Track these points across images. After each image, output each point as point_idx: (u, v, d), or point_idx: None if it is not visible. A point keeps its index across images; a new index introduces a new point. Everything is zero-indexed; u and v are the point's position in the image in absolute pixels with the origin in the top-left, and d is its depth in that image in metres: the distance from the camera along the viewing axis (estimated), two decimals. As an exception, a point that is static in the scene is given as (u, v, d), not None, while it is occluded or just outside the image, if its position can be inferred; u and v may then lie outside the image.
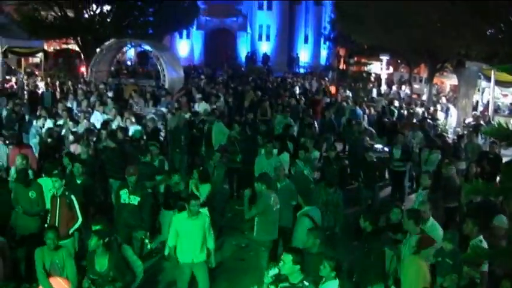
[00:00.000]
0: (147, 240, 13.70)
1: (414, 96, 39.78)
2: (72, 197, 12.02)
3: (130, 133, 18.90)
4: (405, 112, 28.99)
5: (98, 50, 36.82)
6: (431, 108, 30.80)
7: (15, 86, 33.52)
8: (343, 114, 27.06)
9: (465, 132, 24.15)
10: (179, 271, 11.46)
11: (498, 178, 16.18)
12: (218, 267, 12.64)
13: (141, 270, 10.04)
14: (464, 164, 18.31)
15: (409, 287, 9.85)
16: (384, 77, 46.64)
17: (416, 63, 44.26)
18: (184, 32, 67.72)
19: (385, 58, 44.54)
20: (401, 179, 19.48)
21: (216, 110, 23.57)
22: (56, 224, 11.63)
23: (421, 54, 35.52)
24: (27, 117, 21.59)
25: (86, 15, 38.99)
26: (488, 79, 30.45)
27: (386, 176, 20.53)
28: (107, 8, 39.27)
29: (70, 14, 38.31)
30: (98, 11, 39.00)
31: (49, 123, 19.41)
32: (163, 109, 24.26)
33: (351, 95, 36.13)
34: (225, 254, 14.19)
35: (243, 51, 69.27)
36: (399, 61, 51.90)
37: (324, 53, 72.79)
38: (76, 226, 12.08)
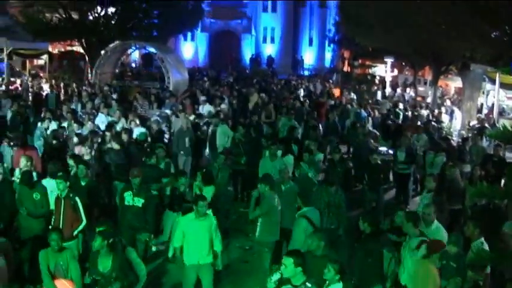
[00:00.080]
0: (151, 243, 13.75)
1: (419, 98, 39.70)
2: (77, 198, 12.04)
3: (134, 135, 18.90)
4: (410, 114, 28.98)
5: (102, 52, 36.86)
6: (436, 111, 30.75)
7: (19, 88, 33.59)
8: (347, 117, 27.03)
9: (470, 134, 24.12)
10: (185, 273, 11.43)
11: (503, 181, 16.12)
12: (222, 270, 12.61)
13: (144, 274, 10.02)
14: (469, 167, 18.28)
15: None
16: (388, 79, 46.58)
17: (420, 65, 44.18)
18: (189, 34, 67.75)
19: (389, 60, 44.48)
20: (406, 182, 19.44)
21: (221, 112, 23.54)
22: (60, 226, 11.66)
23: (426, 56, 35.47)
24: (31, 119, 21.61)
25: (91, 17, 39.12)
26: (493, 81, 30.42)
27: (391, 178, 20.49)
28: (111, 10, 39.35)
29: (75, 16, 38.42)
30: (102, 13, 39.10)
31: (53, 125, 19.43)
32: (168, 111, 24.26)
33: (355, 97, 36.09)
34: (229, 256, 14.17)
35: (247, 53, 69.30)
36: (404, 63, 51.82)
37: (328, 55, 72.72)
38: (80, 228, 12.09)
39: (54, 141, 17.69)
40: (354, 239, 13.45)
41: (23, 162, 13.83)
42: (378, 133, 23.92)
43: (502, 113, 31.74)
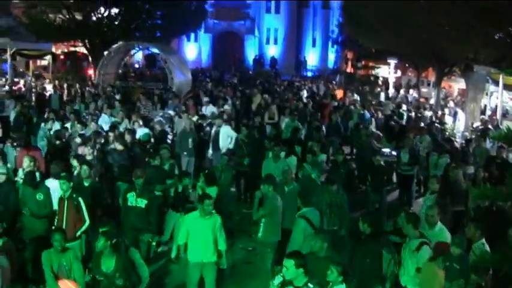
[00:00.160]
0: (154, 243, 13.76)
1: (422, 100, 39.67)
2: (80, 199, 12.04)
3: (138, 136, 18.91)
4: (413, 115, 28.97)
5: (105, 52, 36.94)
6: (439, 112, 30.72)
7: (23, 89, 33.60)
8: (350, 118, 27.01)
9: (473, 136, 24.08)
10: (188, 272, 11.43)
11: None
12: (225, 271, 12.62)
13: (147, 275, 10.01)
14: (473, 168, 18.27)
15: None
16: (391, 80, 46.58)
17: (424, 67, 44.11)
18: (192, 35, 67.86)
19: (393, 62, 44.46)
20: (409, 183, 19.42)
21: (224, 113, 23.53)
22: (63, 226, 11.65)
23: (429, 58, 35.44)
24: (34, 119, 21.62)
25: (94, 18, 39.16)
26: (496, 83, 30.36)
27: (394, 180, 20.48)
28: (115, 11, 39.39)
29: (78, 16, 38.49)
30: (106, 14, 39.15)
31: (57, 126, 19.44)
32: (171, 112, 24.26)
33: (358, 98, 36.07)
34: (232, 258, 14.14)
35: (250, 54, 69.26)
36: (407, 65, 51.74)
37: (331, 56, 72.76)
38: (83, 228, 12.10)
39: (57, 142, 17.71)
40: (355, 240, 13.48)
41: (26, 162, 13.84)
42: (380, 134, 23.90)
43: (505, 114, 31.68)
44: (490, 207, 13.18)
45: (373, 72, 56.42)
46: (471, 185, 15.56)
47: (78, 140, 17.63)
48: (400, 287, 10.53)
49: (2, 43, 32.38)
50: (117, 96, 29.32)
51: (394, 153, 20.80)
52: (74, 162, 14.57)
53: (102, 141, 17.61)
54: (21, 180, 13.69)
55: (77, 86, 33.69)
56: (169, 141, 20.36)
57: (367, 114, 27.53)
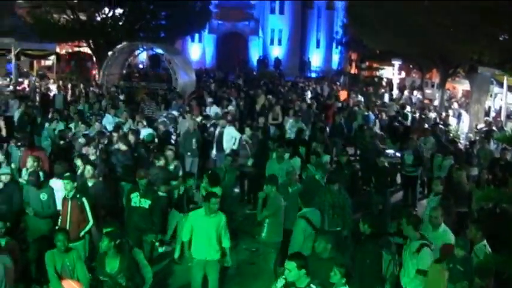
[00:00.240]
0: (157, 244, 13.76)
1: (426, 101, 39.65)
2: (84, 199, 12.03)
3: (141, 136, 18.93)
4: (417, 116, 28.95)
5: (110, 53, 36.97)
6: (443, 114, 30.70)
7: (27, 89, 33.65)
8: (354, 119, 26.99)
9: (477, 138, 24.04)
10: (192, 271, 11.42)
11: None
12: (229, 271, 12.61)
13: (151, 276, 10.01)
14: (476, 170, 18.23)
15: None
16: (395, 82, 46.59)
17: (428, 68, 44.17)
18: (196, 36, 67.91)
19: (397, 63, 44.48)
20: (414, 184, 19.43)
21: (228, 113, 23.52)
22: (67, 226, 11.66)
23: (433, 59, 35.43)
24: (39, 119, 21.65)
25: (98, 18, 39.23)
26: (500, 85, 30.31)
27: (398, 181, 20.46)
28: (119, 11, 39.42)
29: (82, 17, 38.56)
30: (110, 14, 39.20)
31: (61, 126, 19.46)
32: (175, 112, 24.25)
33: (362, 99, 36.06)
34: (236, 258, 14.13)
35: (254, 55, 69.31)
36: (411, 66, 51.82)
37: (335, 57, 72.79)
38: (87, 228, 12.09)
39: (61, 142, 17.73)
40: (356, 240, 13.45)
41: (29, 163, 13.84)
42: (385, 135, 23.87)
43: (509, 116, 31.61)
44: (493, 209, 13.15)
45: (377, 73, 56.63)
46: (475, 187, 15.54)
47: (81, 140, 17.65)
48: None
49: (7, 43, 32.42)
50: (121, 97, 29.39)
51: (398, 154, 20.78)
52: (78, 162, 14.56)
53: (106, 141, 17.62)
54: (25, 180, 13.71)
55: (81, 86, 33.75)
56: (172, 141, 20.36)
57: (372, 116, 27.51)
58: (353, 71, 66.83)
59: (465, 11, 23.29)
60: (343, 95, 41.10)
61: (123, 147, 16.43)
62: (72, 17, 38.32)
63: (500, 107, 31.14)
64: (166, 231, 14.38)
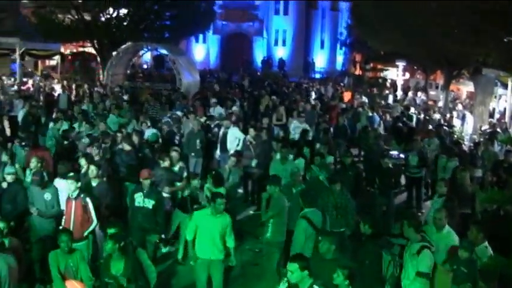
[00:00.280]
0: (161, 244, 13.77)
1: (430, 102, 39.60)
2: (88, 199, 12.04)
3: (145, 136, 18.95)
4: (422, 118, 28.95)
5: (114, 53, 36.98)
6: (448, 115, 30.66)
7: (31, 88, 33.70)
8: (358, 120, 26.98)
9: (481, 139, 24.01)
10: (196, 272, 11.42)
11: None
12: (232, 272, 12.61)
13: (155, 276, 10.02)
14: (480, 172, 18.21)
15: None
16: (400, 83, 46.57)
17: (432, 69, 44.11)
18: (201, 36, 67.95)
19: (401, 64, 44.50)
20: (419, 185, 19.42)
21: (232, 114, 23.52)
22: (71, 226, 11.66)
23: (438, 60, 35.38)
24: (43, 119, 21.66)
25: (103, 19, 39.22)
26: (505, 86, 30.30)
27: (402, 182, 20.44)
28: (123, 11, 39.43)
29: (87, 17, 38.61)
30: (114, 15, 39.20)
31: (65, 126, 19.48)
32: (179, 113, 24.25)
33: (366, 100, 36.03)
34: (239, 259, 14.13)
35: (259, 55, 69.30)
36: (415, 67, 51.76)
37: (340, 58, 72.81)
38: (91, 228, 12.09)
39: (65, 142, 17.75)
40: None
41: (33, 163, 13.83)
42: (389, 137, 23.83)
43: (514, 117, 31.62)
44: (497, 211, 13.13)
45: (382, 74, 56.58)
46: (479, 189, 15.51)
47: (84, 140, 17.66)
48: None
49: (11, 43, 32.48)
50: (125, 97, 29.40)
51: (402, 155, 20.74)
52: (82, 162, 14.57)
53: (109, 141, 17.61)
54: (28, 180, 13.71)
55: (85, 86, 33.78)
56: (176, 141, 20.36)
57: (376, 117, 27.49)
58: (357, 72, 66.83)
59: (469, 13, 23.26)
60: (347, 96, 41.09)
61: (127, 147, 16.43)
62: (76, 17, 38.36)
63: (505, 109, 31.10)
64: (169, 231, 14.37)
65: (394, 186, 18.39)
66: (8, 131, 21.45)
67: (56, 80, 37.06)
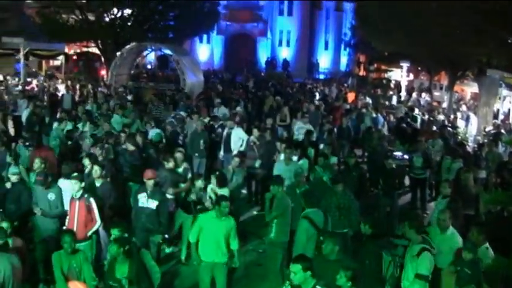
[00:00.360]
0: (165, 244, 13.76)
1: (434, 103, 39.59)
2: (91, 199, 12.03)
3: (149, 136, 18.95)
4: (426, 119, 28.92)
5: (118, 53, 37.01)
6: (452, 116, 30.64)
7: (35, 88, 33.71)
8: (362, 121, 26.95)
9: (485, 140, 23.97)
10: (200, 274, 11.42)
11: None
12: (236, 273, 12.59)
13: (158, 277, 10.01)
14: (484, 173, 18.17)
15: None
16: (404, 84, 46.50)
17: (436, 70, 44.10)
18: (205, 37, 68.05)
19: (405, 65, 44.42)
20: (423, 186, 19.39)
21: (236, 114, 23.50)
22: (75, 226, 11.67)
23: (442, 61, 35.36)
24: (47, 119, 21.68)
25: (107, 19, 39.29)
26: (509, 87, 30.29)
27: (406, 183, 20.41)
28: (127, 11, 39.48)
29: (91, 17, 38.66)
30: (118, 15, 39.24)
31: (69, 126, 19.48)
32: (183, 113, 24.24)
33: (370, 101, 36.01)
34: (243, 260, 14.12)
35: (263, 56, 69.30)
36: (419, 68, 51.73)
37: (344, 59, 72.82)
38: (94, 229, 12.09)
39: (69, 142, 17.76)
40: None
41: (36, 164, 13.83)
42: (393, 137, 23.81)
43: (518, 119, 31.59)
44: (501, 212, 13.11)
45: (386, 75, 56.54)
46: (483, 190, 15.48)
47: (88, 140, 17.65)
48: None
49: (16, 43, 32.48)
50: (129, 97, 29.41)
51: (406, 156, 20.71)
52: (86, 162, 14.56)
53: (113, 142, 17.60)
54: (32, 180, 13.72)
55: (89, 86, 33.80)
56: (180, 142, 20.36)
57: (380, 118, 27.46)
58: (361, 73, 66.83)
59: (470, 13, 23.24)
60: (351, 96, 41.05)
61: (130, 147, 16.43)
62: (80, 17, 38.44)
63: (509, 110, 31.10)
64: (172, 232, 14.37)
65: (398, 187, 18.39)
66: (12, 131, 21.46)
67: (60, 80, 37.06)
